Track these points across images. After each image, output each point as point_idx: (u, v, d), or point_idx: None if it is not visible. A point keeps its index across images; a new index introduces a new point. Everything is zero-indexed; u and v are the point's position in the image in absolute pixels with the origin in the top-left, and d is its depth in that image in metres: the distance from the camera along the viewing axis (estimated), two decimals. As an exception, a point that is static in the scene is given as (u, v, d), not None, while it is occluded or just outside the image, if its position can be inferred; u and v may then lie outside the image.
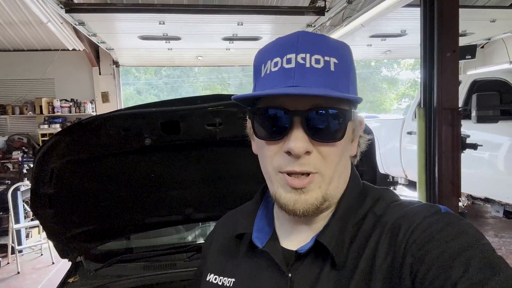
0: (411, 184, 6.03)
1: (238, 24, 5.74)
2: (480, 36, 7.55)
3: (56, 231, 1.58)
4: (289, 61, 0.59)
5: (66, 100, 8.13)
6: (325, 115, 0.59)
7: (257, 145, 0.67)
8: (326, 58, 0.59)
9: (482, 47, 9.27)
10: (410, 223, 0.57)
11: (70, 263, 1.85)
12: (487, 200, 4.66)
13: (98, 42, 6.70)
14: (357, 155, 0.69)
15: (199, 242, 2.05)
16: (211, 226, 2.19)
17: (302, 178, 0.59)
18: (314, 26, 5.78)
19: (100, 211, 1.62)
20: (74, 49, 7.76)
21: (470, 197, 4.96)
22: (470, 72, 6.76)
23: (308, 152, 0.59)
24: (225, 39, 6.88)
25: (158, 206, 1.70)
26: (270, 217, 0.73)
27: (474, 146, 2.66)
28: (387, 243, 0.58)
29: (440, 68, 2.63)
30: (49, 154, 1.24)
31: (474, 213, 6.17)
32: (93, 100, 8.34)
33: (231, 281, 0.70)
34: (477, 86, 4.71)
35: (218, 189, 1.67)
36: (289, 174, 0.60)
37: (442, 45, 2.60)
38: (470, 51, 5.82)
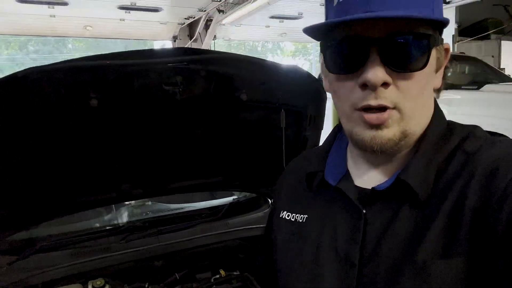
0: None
1: (138, -8, 5.30)
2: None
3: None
4: None
5: None
6: (406, 41, 0.54)
7: (330, 82, 0.61)
8: None
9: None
10: (509, 167, 0.52)
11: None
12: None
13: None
14: (441, 89, 0.64)
15: (132, 221, 1.85)
16: (143, 205, 2.01)
17: (380, 114, 0.55)
18: (220, 0, 5.66)
19: (16, 192, 1.34)
20: None
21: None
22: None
23: (385, 85, 0.54)
24: (121, 7, 6.30)
25: (90, 182, 1.47)
26: (343, 156, 0.70)
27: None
28: (480, 185, 0.53)
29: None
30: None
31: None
32: (-49, 72, 6.90)
33: (303, 217, 0.70)
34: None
35: (161, 161, 1.52)
36: (366, 110, 0.56)
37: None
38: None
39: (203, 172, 1.65)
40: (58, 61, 0.99)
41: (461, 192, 0.55)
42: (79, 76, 1.01)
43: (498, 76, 4.88)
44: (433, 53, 0.57)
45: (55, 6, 5.94)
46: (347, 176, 0.66)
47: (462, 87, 4.08)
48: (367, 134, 0.57)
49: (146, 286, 1.56)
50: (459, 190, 0.55)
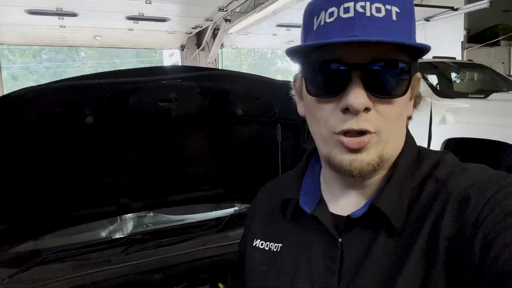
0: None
1: (146, 2, 5.37)
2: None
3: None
4: (346, 10, 0.53)
5: None
6: (388, 68, 0.54)
7: (308, 105, 0.61)
8: (387, 6, 0.53)
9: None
10: (481, 194, 0.52)
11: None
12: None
13: (-29, 14, 5.66)
14: (411, 117, 0.64)
15: (132, 233, 1.87)
16: (145, 217, 2.02)
17: (359, 138, 0.55)
18: (226, 10, 5.71)
19: (16, 206, 1.36)
20: None
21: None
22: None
23: (367, 109, 0.54)
24: (129, 18, 6.40)
25: (90, 196, 1.49)
26: (317, 181, 0.69)
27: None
28: (454, 214, 0.53)
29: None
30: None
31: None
32: (-35, 83, 7.07)
33: (278, 246, 0.68)
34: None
35: (160, 174, 1.53)
36: (345, 134, 0.56)
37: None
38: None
39: (201, 185, 1.66)
40: (53, 80, 1.01)
41: (435, 221, 0.54)
42: (74, 95, 1.03)
43: (508, 84, 4.83)
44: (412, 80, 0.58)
45: (65, 17, 6.06)
46: (321, 202, 0.65)
47: (469, 96, 4.03)
48: (346, 158, 0.56)
49: (146, 298, 1.56)
50: (433, 219, 0.55)
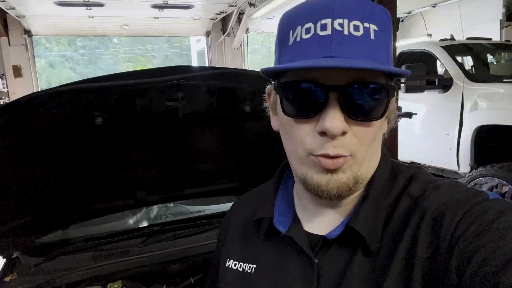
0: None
1: (169, -9, 5.39)
2: (401, 10, 8.00)
3: (-13, 226, 1.37)
4: (324, 27, 0.51)
5: (-30, 74, 7.13)
6: (366, 90, 0.53)
7: (283, 123, 0.60)
8: (366, 24, 0.51)
9: (402, 20, 9.85)
10: (455, 211, 0.52)
11: (3, 260, 1.64)
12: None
13: (6, 9, 5.88)
14: (386, 133, 0.63)
15: (151, 224, 1.93)
16: (164, 208, 2.08)
17: (336, 160, 0.54)
18: (249, -5, 5.64)
19: (40, 201, 1.43)
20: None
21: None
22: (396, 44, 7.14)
23: (343, 133, 0.53)
24: (154, 6, 6.45)
25: (107, 190, 1.55)
26: (290, 198, 0.68)
27: (409, 115, 2.84)
28: (429, 233, 0.53)
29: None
30: (-23, 139, 1.04)
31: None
32: (3, 75, 7.39)
33: (252, 267, 0.67)
34: (404, 57, 4.99)
35: (174, 169, 1.57)
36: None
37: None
38: (393, 24, 6.17)
39: (215, 179, 1.68)
40: (64, 83, 1.04)
41: (411, 241, 0.54)
42: (82, 97, 1.07)
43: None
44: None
45: (92, 8, 6.19)
46: (296, 221, 0.64)
47: (504, 80, 3.81)
48: (323, 179, 0.55)
49: (163, 288, 1.62)
50: (409, 238, 0.54)
